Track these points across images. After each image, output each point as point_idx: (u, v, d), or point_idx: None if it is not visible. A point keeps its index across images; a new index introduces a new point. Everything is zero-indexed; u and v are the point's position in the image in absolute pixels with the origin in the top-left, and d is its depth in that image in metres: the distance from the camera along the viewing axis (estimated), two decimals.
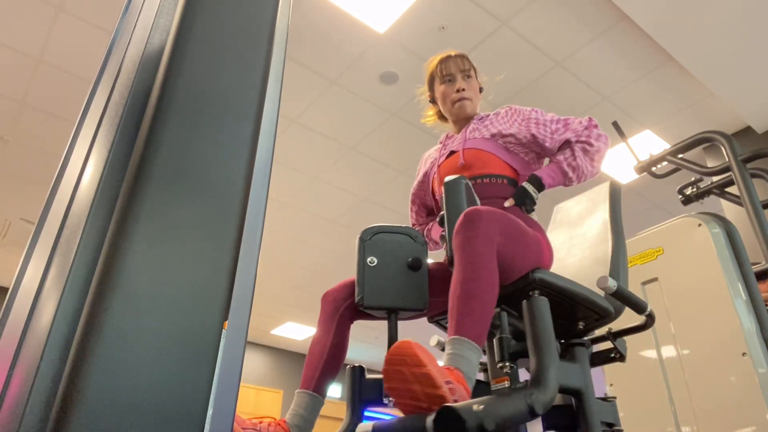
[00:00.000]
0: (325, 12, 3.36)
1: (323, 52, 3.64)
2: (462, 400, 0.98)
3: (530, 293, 1.31)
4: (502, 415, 0.95)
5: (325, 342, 1.43)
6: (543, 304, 1.24)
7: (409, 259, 1.41)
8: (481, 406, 0.92)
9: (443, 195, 1.35)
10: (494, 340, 1.30)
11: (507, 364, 1.25)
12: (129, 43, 0.88)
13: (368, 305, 1.37)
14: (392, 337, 1.39)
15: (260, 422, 1.25)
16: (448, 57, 1.75)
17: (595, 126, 1.63)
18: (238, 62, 0.78)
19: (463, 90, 1.71)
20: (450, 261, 1.28)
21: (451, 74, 1.73)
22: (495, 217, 1.26)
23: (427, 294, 1.41)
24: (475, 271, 1.18)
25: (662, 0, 3.14)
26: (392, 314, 1.40)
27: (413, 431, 0.98)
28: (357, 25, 3.44)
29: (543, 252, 1.43)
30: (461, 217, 1.26)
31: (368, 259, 1.39)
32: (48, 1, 3.25)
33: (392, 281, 1.39)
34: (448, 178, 1.36)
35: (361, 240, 1.44)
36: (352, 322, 1.50)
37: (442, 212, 1.35)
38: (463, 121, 1.76)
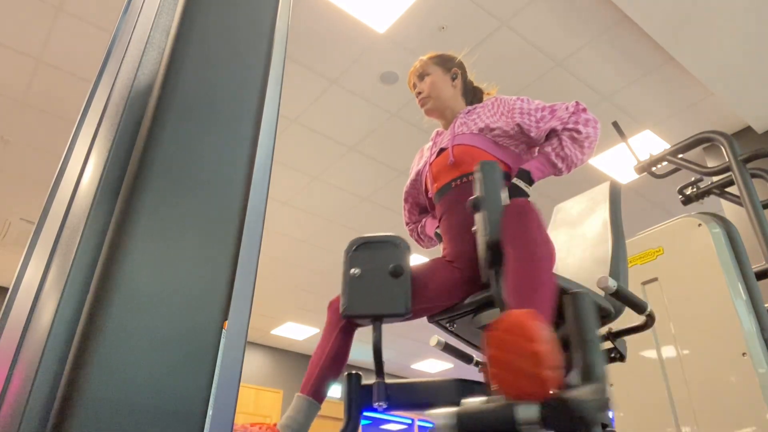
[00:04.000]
0: (325, 12, 3.35)
1: (323, 52, 3.64)
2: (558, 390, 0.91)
3: None
4: (596, 410, 0.91)
5: (324, 349, 1.47)
6: (587, 299, 1.22)
7: (391, 267, 1.44)
8: (589, 398, 0.88)
9: (479, 176, 1.32)
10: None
11: None
12: (129, 43, 0.88)
13: (351, 314, 1.42)
14: (377, 344, 1.44)
15: (252, 426, 1.25)
16: (410, 73, 1.82)
17: (583, 110, 1.58)
18: (238, 62, 0.78)
19: (420, 93, 1.78)
20: (492, 244, 1.25)
21: (414, 84, 1.81)
22: (538, 209, 1.28)
23: (410, 299, 1.43)
24: (539, 259, 1.18)
25: (662, 0, 3.14)
26: (376, 321, 1.45)
27: (508, 422, 0.90)
28: (357, 25, 3.44)
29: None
30: (514, 209, 1.25)
31: (351, 271, 1.44)
32: (48, 1, 3.25)
33: (375, 289, 1.43)
34: (482, 161, 1.34)
35: (346, 253, 1.49)
36: (354, 330, 1.53)
37: (475, 195, 1.32)
38: (449, 115, 1.76)
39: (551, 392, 0.87)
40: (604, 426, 1.27)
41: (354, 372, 1.46)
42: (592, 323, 1.19)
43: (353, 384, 1.44)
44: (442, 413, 0.98)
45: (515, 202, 1.26)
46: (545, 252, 1.20)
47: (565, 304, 1.23)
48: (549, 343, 0.90)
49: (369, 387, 1.43)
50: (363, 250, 1.48)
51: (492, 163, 1.33)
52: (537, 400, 0.89)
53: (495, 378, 0.92)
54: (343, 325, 1.49)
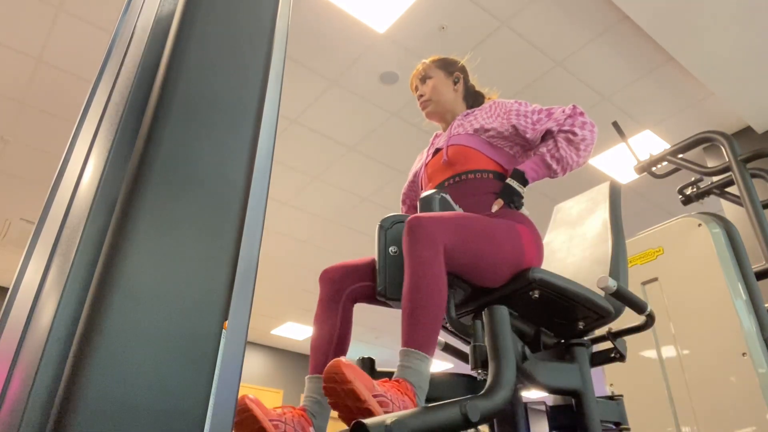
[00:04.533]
0: (325, 12, 3.36)
1: (323, 52, 3.64)
2: (403, 411, 1.01)
3: (530, 293, 1.31)
4: (428, 424, 0.96)
5: (333, 324, 1.40)
6: (501, 312, 1.21)
7: None
8: (394, 419, 0.93)
9: (418, 210, 1.34)
10: (468, 348, 1.28)
11: (480, 371, 1.22)
12: (129, 43, 0.88)
13: (391, 296, 1.33)
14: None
15: (284, 413, 1.25)
16: (413, 76, 1.84)
17: (580, 114, 1.56)
18: (238, 62, 0.78)
19: (421, 96, 1.80)
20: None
21: (416, 87, 1.83)
22: (440, 220, 1.25)
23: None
24: (418, 280, 1.19)
25: (662, 0, 3.14)
26: None
27: None
28: (357, 25, 3.44)
29: (524, 246, 1.39)
30: (406, 227, 1.25)
31: (391, 249, 1.34)
32: (48, 1, 3.25)
33: None
34: (423, 194, 1.37)
35: (381, 228, 1.39)
36: (354, 305, 1.47)
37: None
38: (449, 118, 1.78)
39: (357, 420, 0.96)
40: (618, 424, 1.27)
41: (367, 357, 1.38)
42: (502, 335, 1.17)
43: (366, 369, 1.34)
44: None
45: (407, 221, 1.26)
46: (425, 273, 1.20)
47: (483, 318, 1.23)
48: (361, 380, 1.03)
49: (385, 375, 1.36)
50: (400, 228, 1.37)
51: (430, 195, 1.36)
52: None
53: (341, 418, 1.07)
54: (347, 299, 1.43)
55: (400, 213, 1.48)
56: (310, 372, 1.37)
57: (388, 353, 8.39)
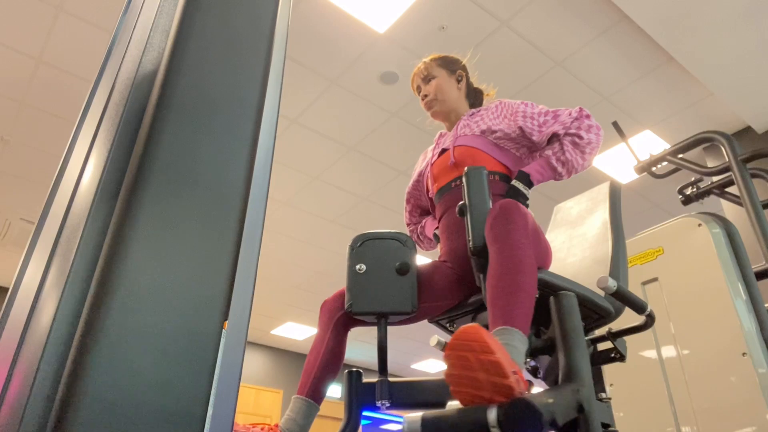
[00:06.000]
0: (325, 12, 3.35)
1: (323, 52, 3.64)
2: (524, 393, 0.92)
3: None
4: (559, 408, 0.92)
5: (320, 350, 1.46)
6: (570, 300, 1.22)
7: (397, 264, 1.42)
8: (551, 399, 0.87)
9: (465, 183, 1.32)
10: None
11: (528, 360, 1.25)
12: (129, 43, 0.88)
13: (357, 311, 1.41)
14: (382, 341, 1.43)
15: (254, 426, 1.25)
16: (415, 72, 1.82)
17: (587, 116, 1.57)
18: (238, 62, 0.78)
19: (426, 95, 1.78)
20: (476, 251, 1.25)
21: (419, 87, 1.81)
22: (526, 211, 1.27)
23: (416, 297, 1.43)
24: (518, 263, 1.17)
25: (662, 0, 3.14)
26: (382, 319, 1.43)
27: (473, 424, 0.90)
28: (357, 25, 3.44)
29: (548, 252, 1.44)
30: (496, 209, 1.24)
31: (357, 267, 1.43)
32: (48, 1, 3.25)
33: (380, 287, 1.42)
34: (469, 167, 1.34)
35: (351, 248, 1.48)
36: (348, 329, 1.52)
37: (462, 202, 1.32)
38: (453, 117, 1.78)
39: (520, 396, 0.88)
40: (607, 425, 1.27)
41: (355, 370, 1.45)
42: (575, 324, 1.19)
43: (354, 382, 1.42)
44: (410, 418, 0.99)
45: (500, 204, 1.25)
46: (524, 255, 1.19)
47: (551, 306, 1.23)
48: (504, 352, 0.92)
49: (370, 385, 1.41)
50: (369, 246, 1.46)
51: (478, 168, 1.32)
52: (498, 402, 0.89)
53: (457, 394, 0.94)
54: (334, 325, 1.49)
55: (372, 231, 1.52)
56: (297, 392, 1.42)
57: (388, 353, 8.38)
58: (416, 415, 0.99)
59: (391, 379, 1.42)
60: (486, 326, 1.40)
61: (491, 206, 1.28)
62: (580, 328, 1.19)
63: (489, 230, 1.24)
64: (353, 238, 1.49)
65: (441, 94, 1.76)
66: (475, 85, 1.86)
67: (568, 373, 1.11)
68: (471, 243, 1.26)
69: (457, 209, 1.32)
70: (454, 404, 0.99)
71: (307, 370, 1.45)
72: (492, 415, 0.88)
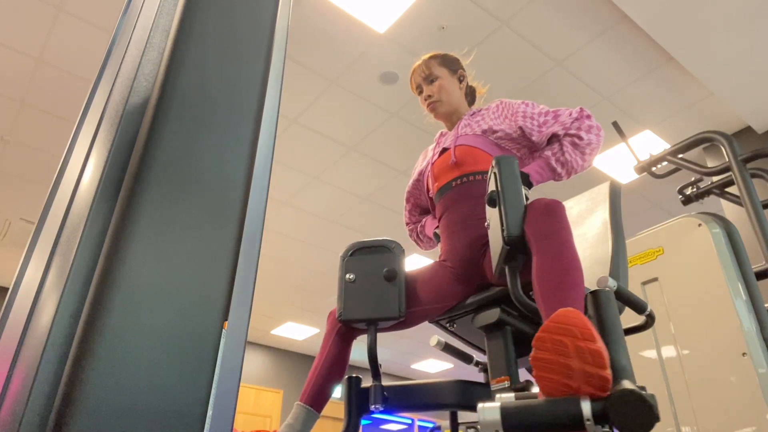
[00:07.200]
0: (325, 12, 3.35)
1: (323, 52, 3.64)
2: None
3: (529, 293, 1.31)
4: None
5: (322, 358, 1.50)
6: (607, 295, 1.20)
7: (384, 271, 1.46)
8: (643, 391, 0.84)
9: (496, 171, 1.29)
10: (466, 348, 1.31)
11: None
12: (129, 43, 0.88)
13: (346, 319, 1.45)
14: (371, 348, 1.45)
15: None
16: (414, 70, 1.81)
17: (587, 117, 1.56)
18: (238, 62, 0.78)
19: (430, 96, 1.76)
20: (511, 240, 1.22)
21: (419, 85, 1.80)
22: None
23: (404, 302, 1.45)
24: (572, 259, 1.17)
25: (662, 0, 3.14)
26: (371, 326, 1.47)
27: (564, 417, 0.85)
28: (357, 25, 3.44)
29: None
30: (543, 204, 1.23)
31: (347, 276, 1.48)
32: (48, 1, 3.25)
33: (369, 294, 1.46)
34: (498, 156, 1.30)
35: (342, 258, 1.52)
36: (350, 338, 1.54)
37: (492, 190, 1.28)
38: (455, 117, 1.77)
39: (629, 388, 0.84)
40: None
41: (354, 375, 1.48)
42: (615, 320, 1.17)
43: (353, 387, 1.46)
44: (486, 408, 0.92)
45: (547, 201, 1.24)
46: (576, 254, 1.19)
47: (587, 303, 1.21)
48: (602, 341, 0.87)
49: (369, 390, 1.44)
50: (357, 255, 1.51)
51: (510, 157, 1.30)
52: (599, 396, 0.85)
53: (541, 380, 0.89)
54: (339, 334, 1.51)
55: (361, 240, 1.55)
56: (300, 399, 1.45)
57: (388, 353, 8.40)
58: (493, 405, 0.92)
59: (387, 382, 1.46)
60: (486, 326, 1.40)
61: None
62: (619, 323, 1.16)
63: (535, 224, 1.21)
64: (345, 248, 1.53)
65: (446, 95, 1.75)
66: (470, 83, 1.86)
67: (616, 371, 1.02)
68: (506, 232, 1.22)
69: (486, 198, 1.28)
70: (507, 396, 0.94)
71: (310, 377, 1.49)
72: (587, 407, 0.83)
